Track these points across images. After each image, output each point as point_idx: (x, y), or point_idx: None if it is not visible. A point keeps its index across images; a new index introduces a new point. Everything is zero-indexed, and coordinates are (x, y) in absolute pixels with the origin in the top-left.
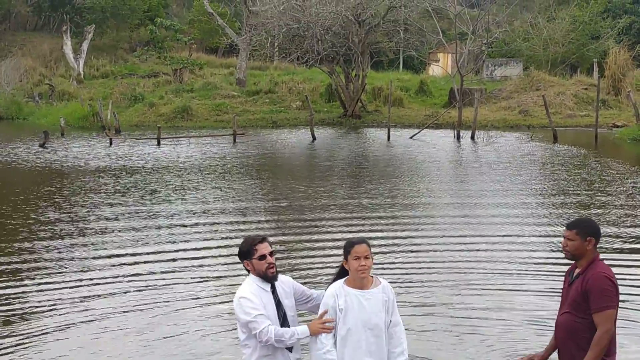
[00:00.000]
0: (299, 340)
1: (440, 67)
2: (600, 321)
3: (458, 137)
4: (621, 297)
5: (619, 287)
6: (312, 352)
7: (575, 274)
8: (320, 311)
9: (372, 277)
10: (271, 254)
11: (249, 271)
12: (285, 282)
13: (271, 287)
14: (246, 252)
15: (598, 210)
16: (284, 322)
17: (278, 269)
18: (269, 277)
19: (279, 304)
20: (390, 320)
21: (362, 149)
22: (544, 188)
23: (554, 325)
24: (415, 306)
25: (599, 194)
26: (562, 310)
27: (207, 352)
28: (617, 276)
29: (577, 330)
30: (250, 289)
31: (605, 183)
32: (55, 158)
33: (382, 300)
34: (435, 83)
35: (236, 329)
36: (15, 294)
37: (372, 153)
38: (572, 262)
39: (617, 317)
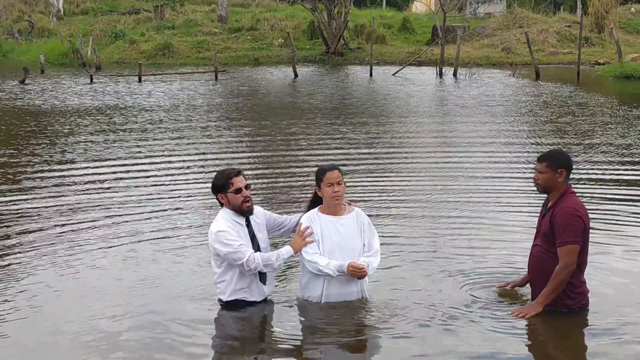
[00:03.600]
0: (281, 266)
1: (424, 3)
2: (562, 255)
3: (440, 74)
4: None
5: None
6: (305, 275)
7: (547, 207)
8: (298, 229)
9: (344, 204)
10: (247, 187)
11: (222, 205)
12: (257, 214)
13: (245, 221)
14: (221, 186)
15: (576, 144)
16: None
17: (254, 201)
18: (244, 211)
19: (253, 237)
20: (364, 244)
21: (345, 86)
22: (525, 122)
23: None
24: (394, 237)
25: (580, 128)
26: (534, 242)
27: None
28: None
29: (545, 262)
30: (226, 222)
31: (585, 118)
32: (35, 95)
33: (357, 226)
34: (418, 20)
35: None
36: None
37: (354, 90)
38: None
39: (589, 252)
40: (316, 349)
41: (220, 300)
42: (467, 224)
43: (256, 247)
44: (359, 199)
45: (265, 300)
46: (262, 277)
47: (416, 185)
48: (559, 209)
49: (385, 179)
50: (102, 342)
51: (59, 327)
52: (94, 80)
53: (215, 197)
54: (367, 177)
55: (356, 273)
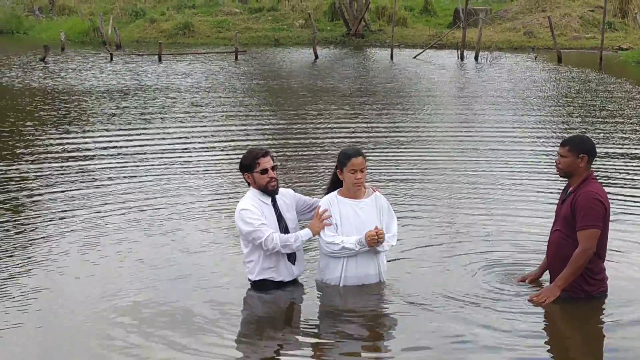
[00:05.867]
0: (299, 247)
1: None
2: (582, 239)
3: (462, 58)
4: None
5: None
6: (324, 258)
7: (568, 192)
8: (316, 212)
9: (364, 187)
10: (273, 168)
11: (249, 184)
12: (286, 195)
13: (272, 201)
14: (248, 165)
15: (599, 128)
16: (285, 234)
17: (279, 183)
18: (269, 191)
19: (280, 217)
20: (382, 227)
21: (366, 68)
22: (547, 107)
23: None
24: (412, 215)
25: (602, 113)
26: (554, 228)
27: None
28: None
29: (565, 248)
30: (251, 201)
31: (608, 103)
32: (55, 74)
33: (375, 209)
34: (439, 3)
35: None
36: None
37: (374, 72)
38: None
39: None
40: (334, 334)
41: (249, 279)
42: (488, 206)
43: (283, 227)
44: (380, 179)
45: (295, 282)
46: (291, 256)
47: (438, 166)
48: (580, 193)
49: (405, 163)
50: (124, 320)
51: (79, 305)
52: (113, 59)
53: (242, 175)
54: (387, 159)
55: (374, 239)
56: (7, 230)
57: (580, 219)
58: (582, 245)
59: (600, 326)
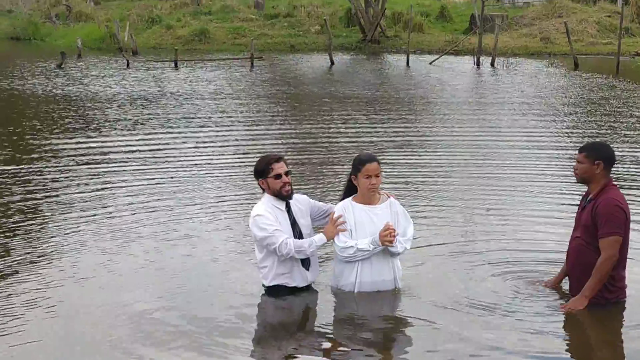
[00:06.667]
0: (314, 252)
1: None
2: (605, 247)
3: (478, 64)
4: None
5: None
6: (339, 264)
7: (588, 199)
8: (331, 217)
9: (379, 193)
10: (287, 173)
11: (263, 190)
12: (301, 201)
13: (286, 206)
14: (262, 171)
15: (628, 135)
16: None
17: (296, 188)
18: (283, 196)
19: (294, 223)
20: (398, 233)
21: (382, 75)
22: (571, 113)
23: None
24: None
25: (620, 119)
26: (574, 235)
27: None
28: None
29: (585, 255)
30: (265, 207)
31: (625, 108)
32: (78, 80)
33: (390, 215)
34: (456, 8)
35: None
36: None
37: (392, 78)
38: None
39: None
40: (348, 341)
41: (263, 285)
42: (506, 211)
43: (298, 233)
44: (400, 183)
45: (309, 288)
46: (305, 262)
47: (460, 171)
48: (600, 200)
49: (427, 167)
50: (143, 329)
51: (95, 311)
52: (130, 65)
53: (256, 182)
54: (408, 163)
55: (387, 236)
56: (31, 237)
57: (602, 227)
58: (605, 253)
59: (621, 331)
